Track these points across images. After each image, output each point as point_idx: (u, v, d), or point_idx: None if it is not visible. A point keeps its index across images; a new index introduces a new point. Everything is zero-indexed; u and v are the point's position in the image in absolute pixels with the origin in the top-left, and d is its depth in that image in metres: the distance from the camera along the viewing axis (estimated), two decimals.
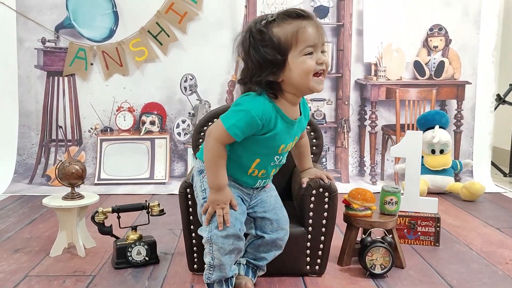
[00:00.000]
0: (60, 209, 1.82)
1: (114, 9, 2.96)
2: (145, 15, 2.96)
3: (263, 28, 1.30)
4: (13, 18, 2.91)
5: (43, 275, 1.68)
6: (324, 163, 3.07)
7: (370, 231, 1.74)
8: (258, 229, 1.52)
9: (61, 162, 1.85)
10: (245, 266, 1.55)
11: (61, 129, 3.01)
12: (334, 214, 1.64)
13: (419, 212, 2.00)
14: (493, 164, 3.19)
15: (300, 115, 1.46)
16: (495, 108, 3.13)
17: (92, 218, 1.76)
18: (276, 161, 1.48)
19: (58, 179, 1.84)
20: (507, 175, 3.17)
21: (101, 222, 1.76)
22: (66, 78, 2.99)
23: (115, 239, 1.79)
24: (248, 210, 1.49)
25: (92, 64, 2.99)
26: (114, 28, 2.98)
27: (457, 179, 2.98)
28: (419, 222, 1.98)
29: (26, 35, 2.93)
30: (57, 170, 1.84)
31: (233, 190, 1.43)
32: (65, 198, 1.85)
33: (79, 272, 1.70)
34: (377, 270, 1.67)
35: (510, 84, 3.17)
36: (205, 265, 1.44)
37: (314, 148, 1.89)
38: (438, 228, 1.97)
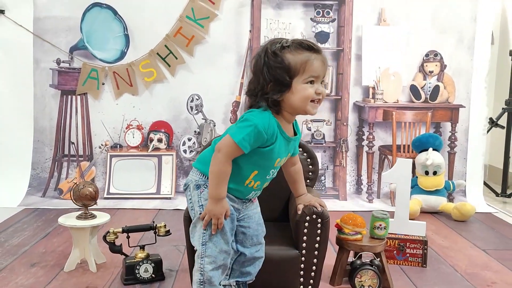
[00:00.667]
0: (74, 228, 1.97)
1: (126, 32, 3.13)
2: (155, 38, 3.12)
3: (278, 52, 1.46)
4: (30, 40, 3.08)
5: None
6: (323, 181, 3.21)
7: (360, 254, 1.88)
8: (239, 243, 1.64)
9: (75, 185, 2.00)
10: (236, 286, 1.69)
11: (73, 145, 3.17)
12: (326, 238, 1.78)
13: (408, 235, 2.14)
14: (485, 184, 3.31)
15: (295, 135, 1.60)
16: (488, 131, 3.26)
17: (104, 238, 1.91)
18: (270, 174, 1.60)
19: (73, 200, 2.00)
20: (499, 195, 3.30)
21: (112, 241, 1.91)
22: (78, 97, 3.16)
23: (124, 256, 1.94)
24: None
25: (103, 83, 3.15)
26: (125, 50, 3.14)
27: (450, 199, 3.11)
28: (407, 244, 2.12)
29: (42, 56, 3.11)
30: (72, 192, 2.00)
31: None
32: (79, 217, 2.00)
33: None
34: None
35: (502, 108, 3.30)
36: (194, 285, 1.56)
37: (310, 173, 2.03)
38: (425, 250, 2.11)
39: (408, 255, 2.12)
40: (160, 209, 2.95)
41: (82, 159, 3.17)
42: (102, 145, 3.18)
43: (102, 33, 3.13)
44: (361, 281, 1.80)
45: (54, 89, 3.15)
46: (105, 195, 3.07)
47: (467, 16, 3.16)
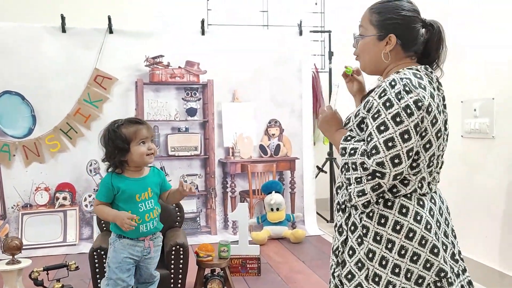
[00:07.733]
0: (5, 271, 2.71)
1: (32, 113, 3.89)
2: (58, 117, 3.91)
3: (116, 129, 2.16)
4: None
5: None
6: (198, 221, 4.16)
7: (214, 269, 2.84)
8: (135, 280, 2.35)
9: (5, 239, 2.75)
10: None
11: None
12: (187, 261, 2.71)
13: (248, 255, 3.14)
14: (318, 214, 4.49)
15: (147, 174, 2.25)
16: (316, 176, 4.47)
17: (29, 275, 2.67)
18: (143, 207, 2.19)
19: (3, 251, 2.73)
20: (328, 222, 4.49)
21: (35, 278, 2.67)
22: None
23: None
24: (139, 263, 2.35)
25: (14, 155, 3.86)
26: (33, 128, 3.89)
27: (294, 227, 4.22)
28: (247, 261, 3.13)
29: None
30: (2, 245, 2.74)
31: (125, 253, 2.20)
32: (7, 263, 2.74)
33: None
34: None
35: (326, 158, 4.54)
36: None
37: (178, 218, 2.98)
38: (259, 264, 3.13)
39: (248, 268, 3.13)
40: (67, 254, 3.68)
41: None
42: (14, 205, 3.85)
43: (12, 114, 3.85)
44: (211, 287, 2.76)
45: None
46: None
47: (296, 95, 4.39)
